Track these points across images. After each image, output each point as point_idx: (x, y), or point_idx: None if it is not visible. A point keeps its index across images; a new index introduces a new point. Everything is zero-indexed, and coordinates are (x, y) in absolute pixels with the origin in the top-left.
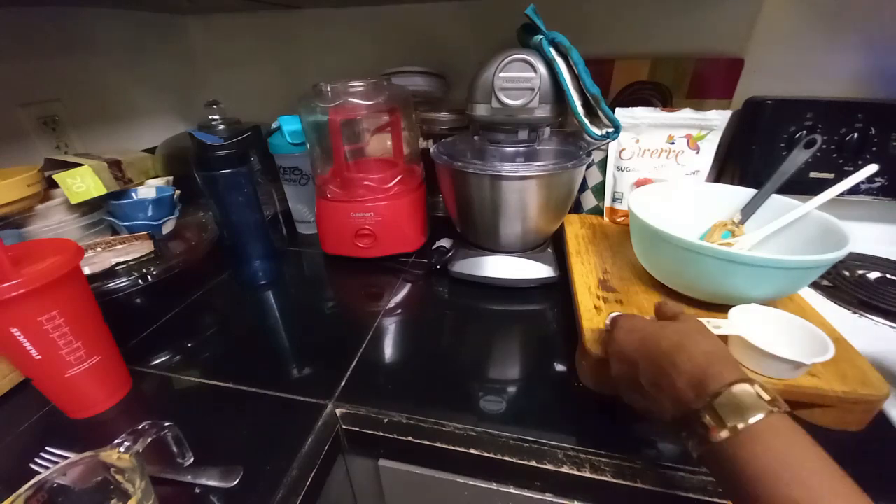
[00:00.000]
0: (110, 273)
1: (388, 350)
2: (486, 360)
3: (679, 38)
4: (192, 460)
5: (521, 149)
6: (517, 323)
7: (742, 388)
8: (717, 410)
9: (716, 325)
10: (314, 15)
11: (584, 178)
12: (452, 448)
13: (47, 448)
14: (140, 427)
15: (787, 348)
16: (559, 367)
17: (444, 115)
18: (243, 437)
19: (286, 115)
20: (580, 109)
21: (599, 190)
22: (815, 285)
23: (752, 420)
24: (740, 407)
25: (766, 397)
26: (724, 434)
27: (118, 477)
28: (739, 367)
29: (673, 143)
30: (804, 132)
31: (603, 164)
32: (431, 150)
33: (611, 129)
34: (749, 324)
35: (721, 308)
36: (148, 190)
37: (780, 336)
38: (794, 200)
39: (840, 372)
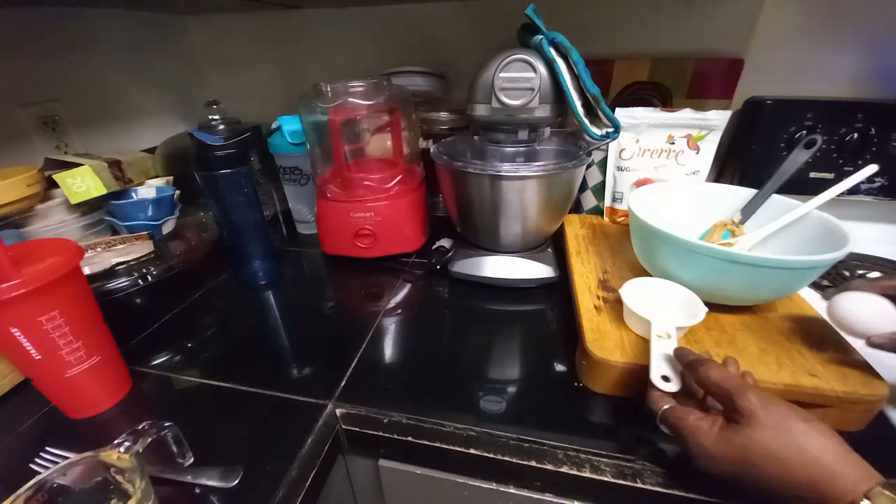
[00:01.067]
0: (110, 273)
1: (388, 350)
2: (486, 360)
3: (679, 38)
4: (192, 460)
5: (521, 149)
6: (517, 323)
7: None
8: None
9: (668, 334)
10: (314, 15)
11: (584, 178)
12: (452, 448)
13: (47, 448)
14: (140, 427)
15: (674, 312)
16: (559, 367)
17: (444, 115)
18: (243, 437)
19: (286, 115)
20: (580, 109)
21: (599, 190)
22: (815, 285)
23: None
24: None
25: None
26: None
27: (118, 477)
28: (851, 467)
29: (673, 143)
30: (804, 132)
31: (603, 164)
32: (431, 150)
33: (611, 129)
34: (638, 296)
35: (721, 308)
36: (148, 190)
37: (659, 300)
38: (794, 200)
39: (840, 372)
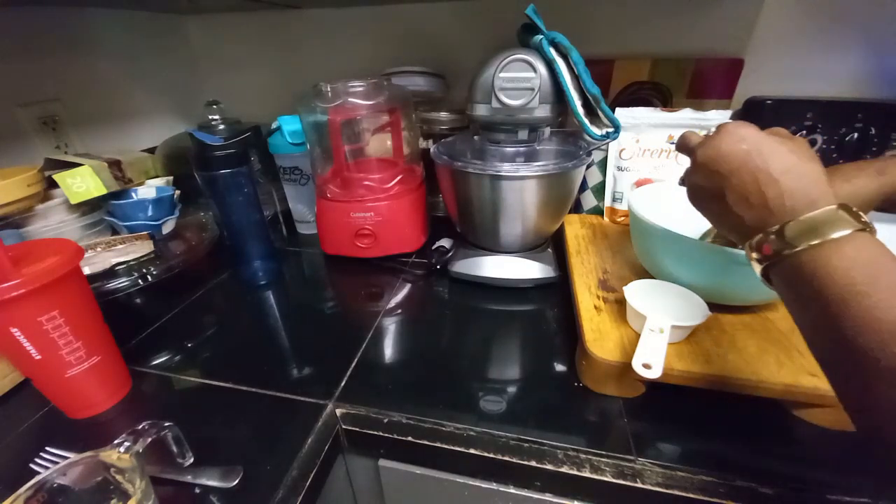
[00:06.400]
0: (110, 273)
1: (388, 350)
2: (486, 360)
3: (679, 38)
4: (192, 460)
5: (521, 149)
6: (517, 323)
7: (833, 209)
8: (805, 225)
9: (661, 329)
10: (314, 15)
11: (584, 178)
12: (452, 448)
13: (47, 448)
14: (140, 427)
15: (677, 312)
16: (559, 367)
17: (444, 115)
18: (243, 437)
19: (286, 115)
20: (580, 109)
21: (599, 190)
22: None
23: (836, 234)
24: (829, 223)
25: (862, 217)
26: (801, 247)
27: (118, 477)
28: (833, 194)
29: (673, 143)
30: (804, 132)
31: (603, 164)
32: (431, 150)
33: (611, 129)
34: (642, 296)
35: (721, 308)
36: (148, 190)
37: (662, 301)
38: None
39: None
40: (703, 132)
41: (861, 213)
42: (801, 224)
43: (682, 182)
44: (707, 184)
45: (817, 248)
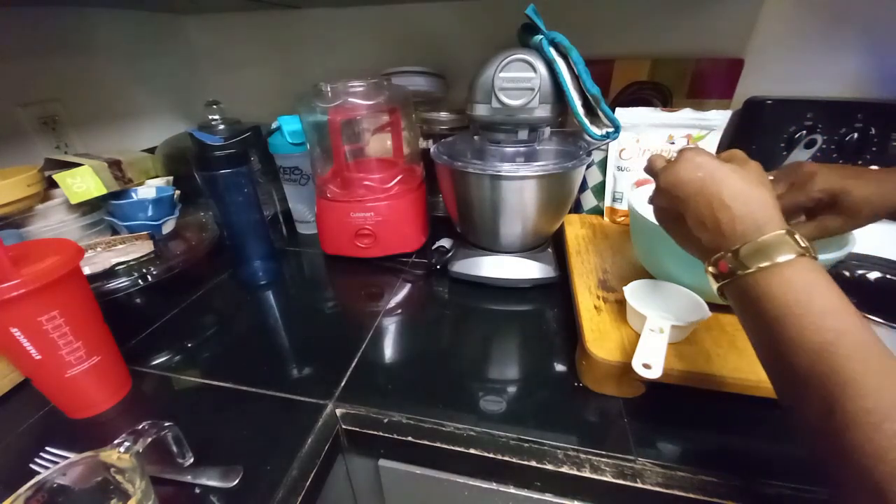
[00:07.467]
0: (110, 273)
1: (388, 350)
2: (486, 360)
3: (679, 38)
4: (192, 460)
5: (521, 149)
6: (517, 323)
7: (780, 234)
8: (752, 248)
9: (661, 329)
10: (314, 15)
11: (584, 178)
12: (452, 448)
13: (47, 448)
14: (140, 427)
15: (677, 312)
16: (559, 367)
17: (444, 115)
18: (243, 437)
19: (286, 115)
20: (580, 109)
21: (599, 190)
22: None
23: (780, 259)
24: (773, 248)
25: (802, 243)
26: (751, 269)
27: (118, 477)
28: (783, 220)
29: (673, 143)
30: (804, 132)
31: (603, 164)
32: (431, 150)
33: (611, 129)
34: (642, 296)
35: (721, 308)
36: (148, 190)
37: (662, 301)
38: None
39: None
40: (705, 132)
41: (804, 240)
42: (755, 246)
43: (650, 202)
44: (669, 207)
45: (764, 270)
